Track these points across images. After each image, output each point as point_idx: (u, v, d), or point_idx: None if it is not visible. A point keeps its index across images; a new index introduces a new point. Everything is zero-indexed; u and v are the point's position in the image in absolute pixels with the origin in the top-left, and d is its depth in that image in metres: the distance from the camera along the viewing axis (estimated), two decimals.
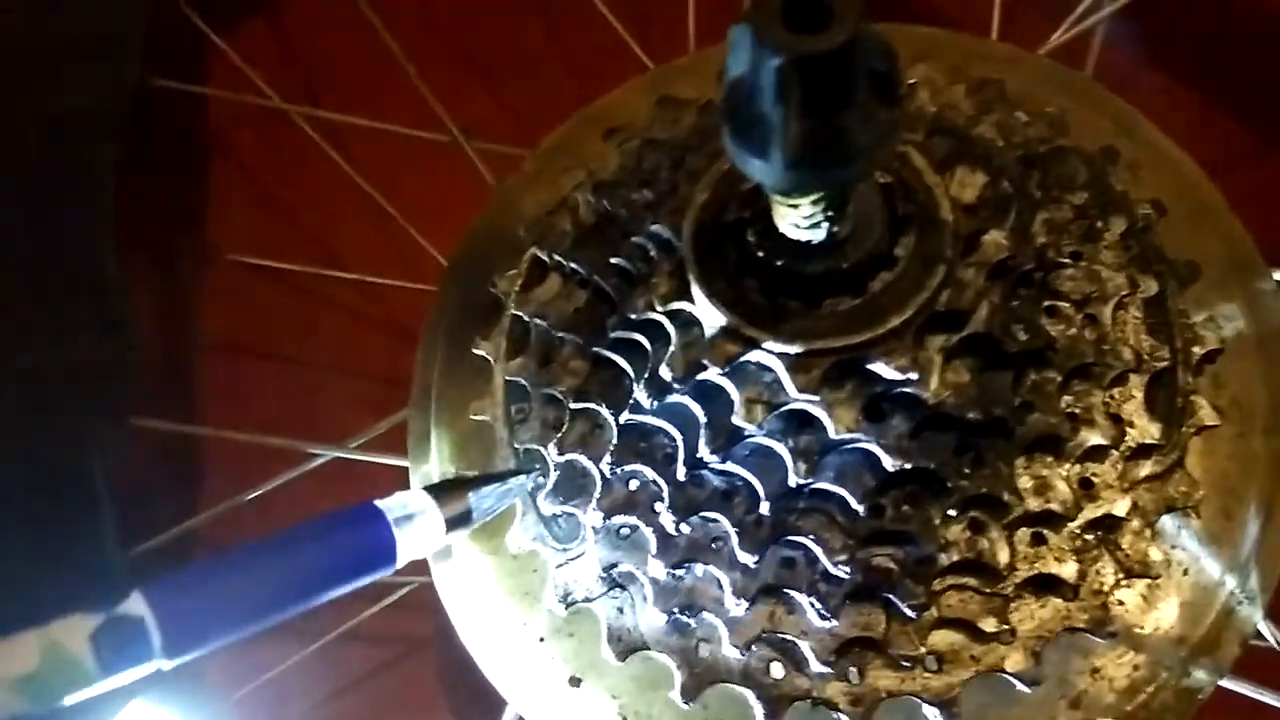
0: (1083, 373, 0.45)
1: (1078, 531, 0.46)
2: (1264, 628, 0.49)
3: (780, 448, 0.43)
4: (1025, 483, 0.45)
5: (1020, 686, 0.45)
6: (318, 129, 0.79)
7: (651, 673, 0.48)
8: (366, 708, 0.74)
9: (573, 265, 0.50)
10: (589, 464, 0.48)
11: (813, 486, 0.43)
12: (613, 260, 0.47)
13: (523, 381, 0.51)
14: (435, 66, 0.76)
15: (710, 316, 0.42)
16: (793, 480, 0.43)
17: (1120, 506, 0.46)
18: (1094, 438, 0.45)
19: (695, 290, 0.42)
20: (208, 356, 0.84)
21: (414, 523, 0.38)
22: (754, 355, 0.41)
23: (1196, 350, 0.49)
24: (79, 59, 0.72)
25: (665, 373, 0.43)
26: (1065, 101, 0.54)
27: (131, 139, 0.74)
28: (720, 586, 0.46)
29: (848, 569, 0.44)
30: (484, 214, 0.60)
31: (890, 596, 0.45)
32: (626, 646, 0.48)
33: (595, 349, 0.47)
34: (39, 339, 0.66)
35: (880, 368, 0.41)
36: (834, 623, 0.45)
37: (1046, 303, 0.45)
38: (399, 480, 0.56)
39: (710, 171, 0.44)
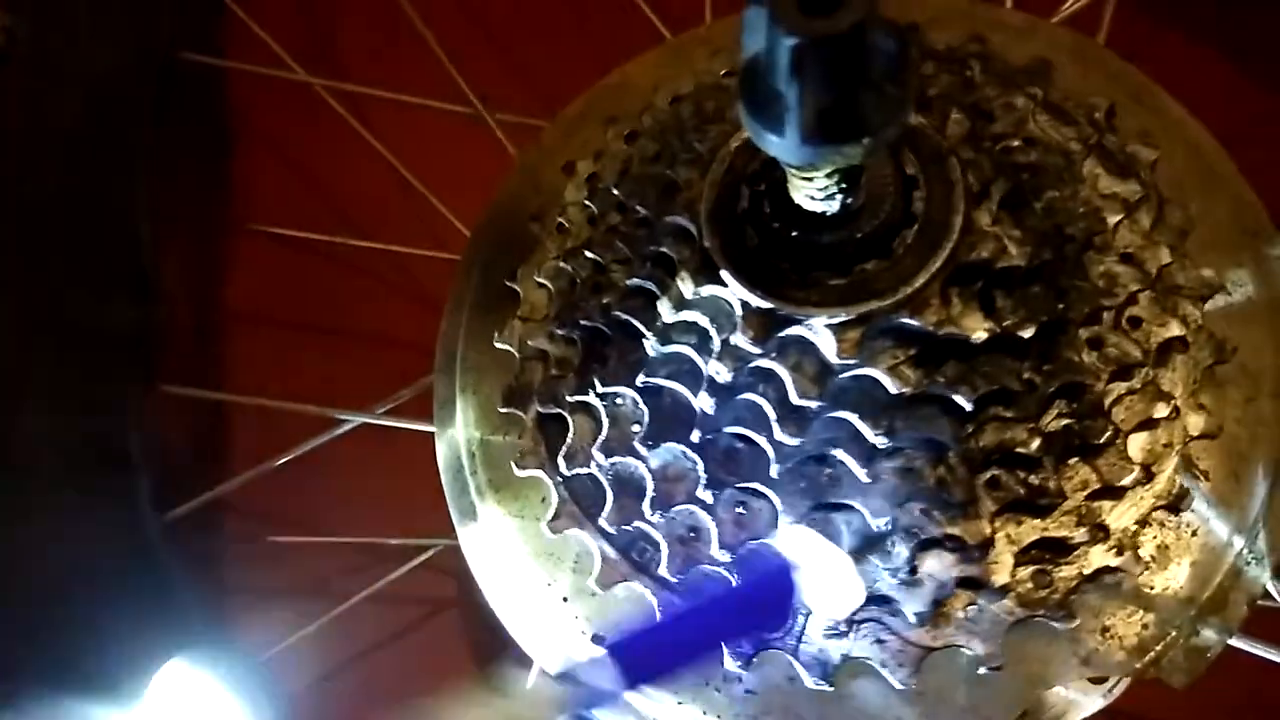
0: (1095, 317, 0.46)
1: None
2: (1272, 588, 0.50)
3: (849, 415, 0.44)
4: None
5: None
6: (340, 100, 0.80)
7: None
8: (392, 667, 0.76)
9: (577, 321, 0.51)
10: (638, 465, 0.49)
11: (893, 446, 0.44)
12: (629, 282, 0.48)
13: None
14: (453, 38, 0.77)
15: (743, 301, 0.43)
16: (877, 442, 0.44)
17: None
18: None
19: (726, 278, 0.43)
20: (233, 325, 0.85)
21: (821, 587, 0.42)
22: (794, 330, 0.43)
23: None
24: (110, 28, 0.74)
25: (718, 374, 0.45)
26: (1079, 69, 0.54)
27: (158, 111, 0.75)
28: None
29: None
30: (504, 185, 0.61)
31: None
32: None
33: (641, 381, 0.48)
34: (72, 304, 0.67)
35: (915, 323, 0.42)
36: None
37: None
38: (426, 444, 0.58)
39: (719, 155, 0.45)
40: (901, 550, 0.45)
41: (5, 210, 0.71)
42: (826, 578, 0.42)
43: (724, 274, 0.43)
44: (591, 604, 0.51)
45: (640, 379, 0.47)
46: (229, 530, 0.77)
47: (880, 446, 0.44)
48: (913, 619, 0.46)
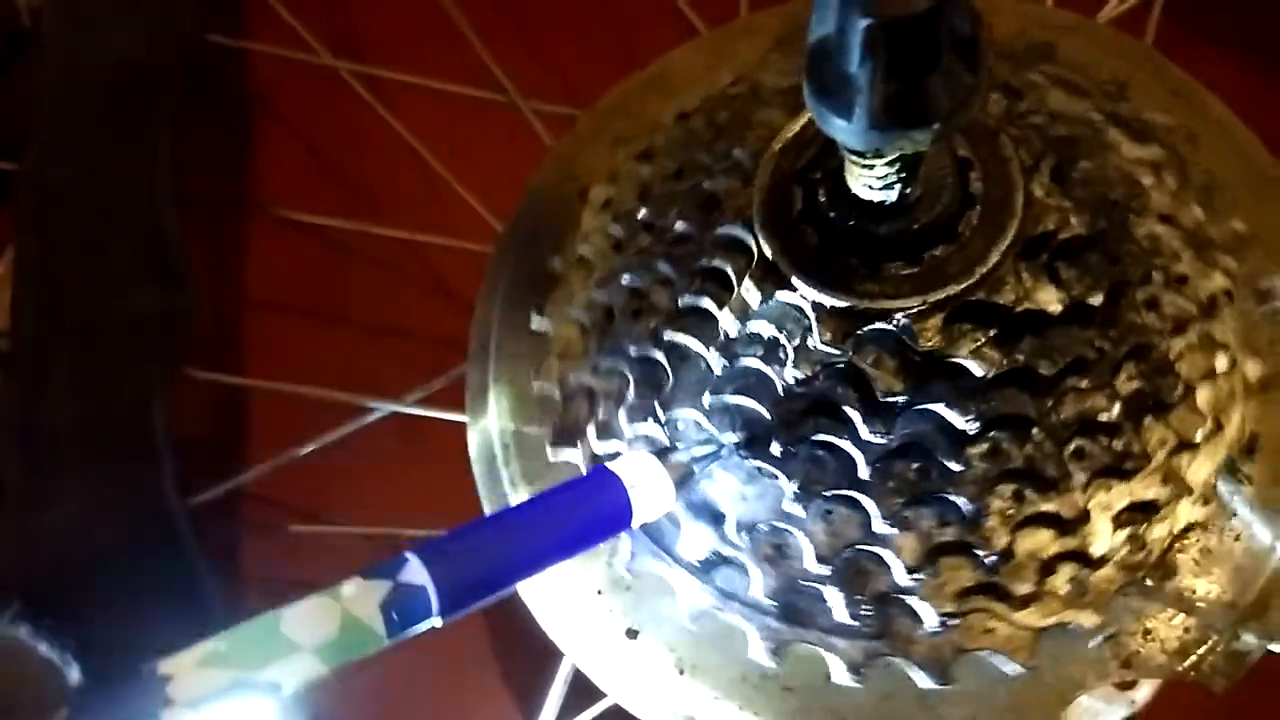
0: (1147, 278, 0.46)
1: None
2: None
3: (936, 406, 0.43)
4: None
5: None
6: (364, 87, 0.79)
7: (709, 626, 0.49)
8: (412, 658, 0.75)
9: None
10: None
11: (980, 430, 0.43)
12: (680, 302, 0.47)
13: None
14: (476, 24, 0.76)
15: (815, 302, 0.42)
16: (967, 428, 0.43)
17: None
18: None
19: (795, 282, 0.42)
20: (253, 312, 0.85)
21: (645, 486, 0.41)
22: (872, 325, 0.42)
23: None
24: (137, 10, 0.73)
25: (794, 382, 0.44)
26: (1125, 69, 0.54)
27: (181, 94, 0.75)
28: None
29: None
30: (539, 172, 0.60)
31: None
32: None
33: (708, 402, 0.46)
34: (95, 290, 0.67)
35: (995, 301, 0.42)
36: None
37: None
38: (453, 435, 0.57)
39: (763, 160, 0.45)
40: (1000, 535, 0.45)
41: (31, 194, 0.70)
42: (646, 480, 0.42)
43: (793, 278, 0.42)
44: (626, 597, 0.50)
45: (706, 400, 0.45)
46: (250, 518, 0.76)
47: (970, 433, 0.43)
48: (1019, 602, 0.46)
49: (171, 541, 0.61)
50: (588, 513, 0.41)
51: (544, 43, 0.87)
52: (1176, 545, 0.47)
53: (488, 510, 0.54)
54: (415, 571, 0.36)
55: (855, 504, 0.45)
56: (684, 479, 0.43)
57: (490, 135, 0.74)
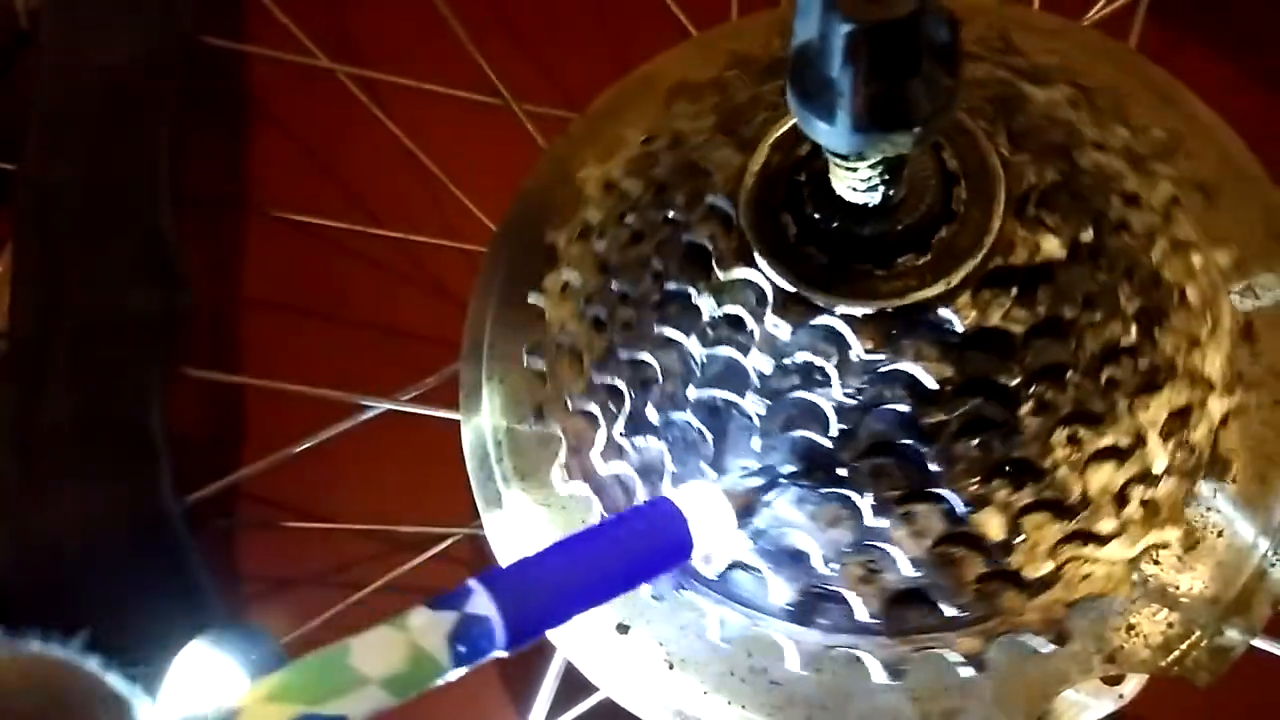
0: (1108, 203, 0.47)
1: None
2: None
3: (985, 378, 0.43)
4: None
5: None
6: (361, 89, 0.80)
7: (698, 620, 0.49)
8: None
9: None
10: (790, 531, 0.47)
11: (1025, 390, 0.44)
12: (701, 357, 0.46)
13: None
14: (474, 33, 0.77)
15: (847, 316, 0.42)
16: (1011, 381, 0.44)
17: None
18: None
19: (821, 304, 0.42)
20: (249, 312, 0.85)
21: (705, 515, 0.41)
22: (908, 320, 0.42)
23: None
24: (134, 12, 0.74)
25: (844, 399, 0.43)
26: (1109, 71, 0.54)
27: (179, 96, 0.75)
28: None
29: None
30: (533, 174, 0.61)
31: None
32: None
33: (760, 446, 0.45)
34: (94, 289, 0.67)
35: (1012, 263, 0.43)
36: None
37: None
38: (447, 433, 0.58)
39: (742, 200, 0.45)
40: (1071, 480, 0.45)
41: (30, 194, 0.71)
42: (706, 509, 0.42)
43: (818, 301, 0.42)
44: None
45: (756, 444, 0.45)
46: (246, 515, 0.77)
47: (1018, 395, 0.43)
48: (1105, 539, 0.46)
49: (169, 539, 0.61)
50: (649, 542, 0.40)
51: (538, 46, 0.88)
52: (1220, 438, 0.48)
53: (481, 505, 0.54)
54: (481, 602, 0.36)
55: (933, 498, 0.45)
56: (745, 508, 0.43)
57: (485, 137, 0.75)
